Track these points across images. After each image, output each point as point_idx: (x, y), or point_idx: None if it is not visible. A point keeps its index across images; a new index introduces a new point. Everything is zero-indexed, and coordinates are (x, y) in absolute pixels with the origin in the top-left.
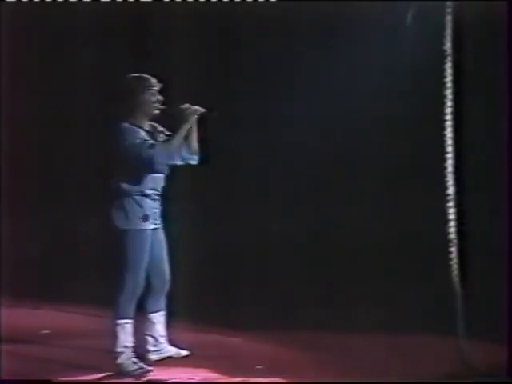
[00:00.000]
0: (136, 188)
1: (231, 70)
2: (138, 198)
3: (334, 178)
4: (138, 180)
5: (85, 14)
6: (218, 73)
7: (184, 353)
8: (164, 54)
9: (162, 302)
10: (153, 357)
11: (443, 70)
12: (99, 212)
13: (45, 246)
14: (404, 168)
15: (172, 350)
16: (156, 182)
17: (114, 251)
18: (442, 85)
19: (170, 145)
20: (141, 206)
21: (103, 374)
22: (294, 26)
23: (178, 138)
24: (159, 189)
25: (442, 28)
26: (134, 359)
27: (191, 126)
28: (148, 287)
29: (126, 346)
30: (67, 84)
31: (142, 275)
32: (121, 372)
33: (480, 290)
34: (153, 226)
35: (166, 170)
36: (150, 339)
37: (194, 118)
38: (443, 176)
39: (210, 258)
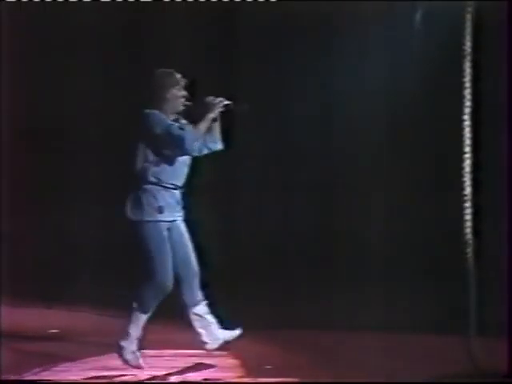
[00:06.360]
0: (153, 178)
1: (231, 70)
2: (153, 189)
3: (347, 177)
4: (157, 169)
5: (85, 14)
6: (218, 73)
7: (237, 332)
8: (163, 54)
9: (199, 293)
10: (212, 346)
11: (462, 70)
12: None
13: (47, 246)
14: (420, 168)
15: (226, 334)
16: (176, 174)
17: (130, 244)
18: (460, 85)
19: (197, 129)
20: (156, 197)
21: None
22: (294, 26)
23: (204, 125)
24: (179, 183)
25: (460, 28)
26: (134, 349)
27: (216, 117)
28: (181, 283)
29: (134, 336)
30: (67, 84)
31: (169, 268)
32: (119, 354)
33: (495, 290)
34: (170, 218)
35: (196, 151)
36: (202, 332)
37: (218, 109)
38: (460, 176)
39: (213, 258)
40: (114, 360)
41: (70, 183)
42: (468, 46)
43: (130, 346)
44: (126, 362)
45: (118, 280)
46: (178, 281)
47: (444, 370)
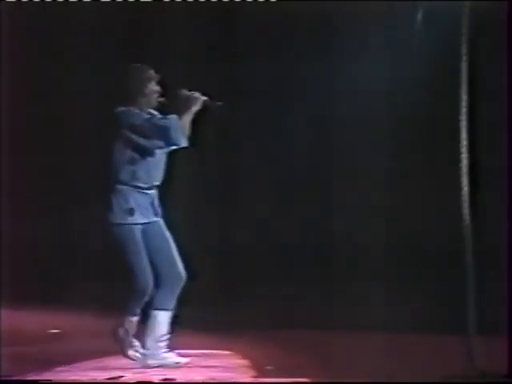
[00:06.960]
0: (126, 178)
1: (231, 70)
2: (125, 189)
3: (347, 177)
4: (132, 168)
5: (85, 14)
6: (218, 73)
7: (180, 360)
8: (163, 54)
9: (171, 301)
10: (150, 362)
11: (458, 71)
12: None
13: (47, 246)
14: (418, 168)
15: (168, 358)
16: (152, 173)
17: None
18: (456, 85)
19: (181, 120)
20: (127, 199)
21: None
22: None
23: (188, 117)
24: (155, 182)
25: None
26: (134, 344)
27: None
28: (158, 281)
29: (133, 338)
30: (67, 84)
31: (147, 270)
32: (125, 355)
33: (494, 290)
34: (142, 221)
35: (182, 141)
36: (148, 340)
37: (200, 103)
38: (458, 176)
39: (211, 258)
40: (114, 360)
41: (69, 183)
42: (464, 46)
43: (129, 341)
44: (129, 358)
45: (117, 280)
46: (157, 280)
47: (444, 369)
